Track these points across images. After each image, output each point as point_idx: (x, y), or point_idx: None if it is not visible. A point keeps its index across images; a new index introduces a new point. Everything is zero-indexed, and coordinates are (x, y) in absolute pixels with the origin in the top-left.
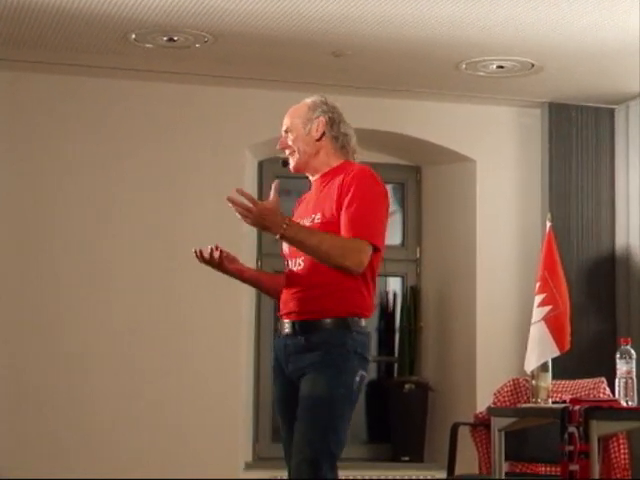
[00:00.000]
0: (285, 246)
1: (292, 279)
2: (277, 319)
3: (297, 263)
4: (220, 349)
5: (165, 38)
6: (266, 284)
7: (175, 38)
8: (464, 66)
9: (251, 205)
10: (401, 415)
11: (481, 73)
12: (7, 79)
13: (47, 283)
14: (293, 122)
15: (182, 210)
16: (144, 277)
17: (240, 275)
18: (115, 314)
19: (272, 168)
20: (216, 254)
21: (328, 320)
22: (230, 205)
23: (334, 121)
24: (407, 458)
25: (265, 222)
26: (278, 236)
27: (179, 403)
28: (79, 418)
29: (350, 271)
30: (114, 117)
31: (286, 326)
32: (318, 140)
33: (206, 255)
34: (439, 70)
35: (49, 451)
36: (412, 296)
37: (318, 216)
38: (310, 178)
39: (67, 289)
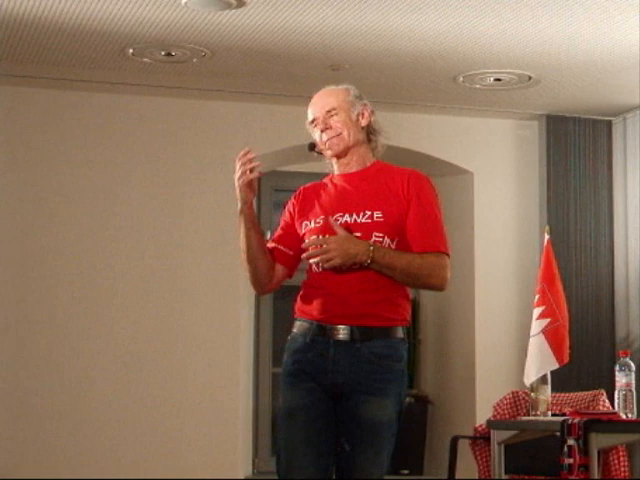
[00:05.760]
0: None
1: (344, 278)
2: (298, 321)
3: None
4: (219, 364)
5: (163, 53)
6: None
7: (173, 53)
8: (461, 79)
9: (325, 245)
10: (400, 428)
11: (478, 86)
12: (6, 94)
13: (47, 292)
14: (340, 103)
15: (181, 223)
16: (144, 289)
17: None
18: (114, 328)
19: (270, 181)
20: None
21: (390, 328)
22: (305, 257)
23: (374, 115)
24: (407, 471)
25: (351, 250)
26: (368, 262)
27: (178, 417)
28: (78, 429)
29: (435, 289)
30: (112, 131)
31: (340, 331)
32: (362, 129)
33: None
34: (436, 83)
35: (47, 462)
36: (410, 309)
37: (378, 214)
38: (336, 168)
39: (67, 299)
